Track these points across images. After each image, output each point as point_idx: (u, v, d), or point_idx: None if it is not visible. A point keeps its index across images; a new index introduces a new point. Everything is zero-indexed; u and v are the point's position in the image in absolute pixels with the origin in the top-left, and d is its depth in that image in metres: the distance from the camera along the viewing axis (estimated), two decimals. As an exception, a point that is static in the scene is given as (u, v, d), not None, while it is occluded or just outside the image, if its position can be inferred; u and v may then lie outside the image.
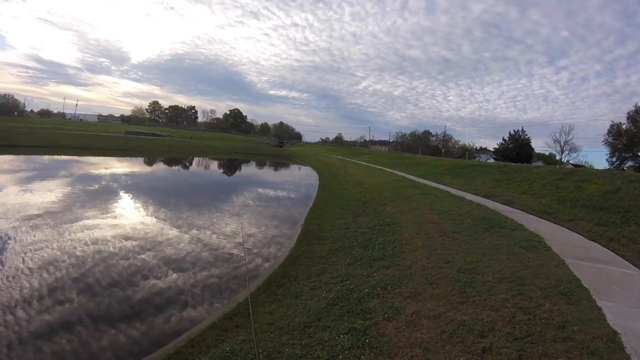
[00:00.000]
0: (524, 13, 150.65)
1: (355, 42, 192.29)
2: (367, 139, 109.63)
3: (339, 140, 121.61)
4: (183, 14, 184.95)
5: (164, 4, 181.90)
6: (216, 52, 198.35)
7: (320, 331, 4.10)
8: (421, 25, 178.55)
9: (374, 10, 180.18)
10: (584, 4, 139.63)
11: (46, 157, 26.76)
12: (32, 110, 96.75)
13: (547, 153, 71.02)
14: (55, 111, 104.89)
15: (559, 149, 62.21)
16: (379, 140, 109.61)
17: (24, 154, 27.28)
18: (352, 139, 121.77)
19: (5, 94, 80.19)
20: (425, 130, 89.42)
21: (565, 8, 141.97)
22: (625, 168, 41.63)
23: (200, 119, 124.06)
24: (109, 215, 11.02)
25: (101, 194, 14.21)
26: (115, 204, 12.69)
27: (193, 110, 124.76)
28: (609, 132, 46.81)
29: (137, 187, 17.12)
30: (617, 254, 6.92)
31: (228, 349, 3.85)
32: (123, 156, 33.54)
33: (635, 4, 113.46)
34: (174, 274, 6.98)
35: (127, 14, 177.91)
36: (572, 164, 51.87)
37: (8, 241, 7.96)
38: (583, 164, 56.96)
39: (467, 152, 71.26)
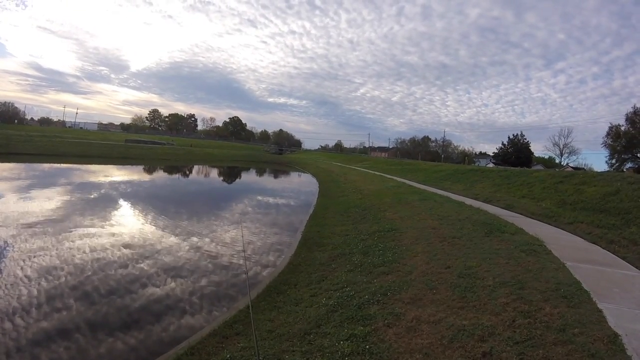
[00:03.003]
0: (520, 17, 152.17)
1: (353, 49, 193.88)
2: (367, 146, 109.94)
3: (338, 147, 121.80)
4: (181, 22, 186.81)
5: (162, 12, 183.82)
6: (214, 60, 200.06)
7: (320, 338, 4.08)
8: (418, 30, 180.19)
9: (371, 17, 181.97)
10: (579, 6, 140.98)
11: (46, 165, 26.82)
12: (32, 118, 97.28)
13: (546, 156, 71.32)
14: (55, 119, 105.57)
15: (558, 152, 62.53)
16: (378, 147, 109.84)
17: (24, 162, 27.34)
18: (352, 146, 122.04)
19: (5, 102, 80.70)
20: (425, 136, 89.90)
21: (561, 11, 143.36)
22: (624, 170, 41.64)
23: (200, 127, 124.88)
24: (107, 223, 11.02)
25: (100, 202, 14.21)
26: (115, 212, 12.69)
27: (193, 118, 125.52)
28: (608, 134, 46.94)
29: (137, 195, 17.14)
30: (617, 256, 6.92)
31: (228, 356, 3.83)
32: (123, 164, 33.61)
33: (631, 5, 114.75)
34: (173, 282, 6.96)
35: (126, 23, 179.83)
36: (572, 167, 51.99)
37: (7, 249, 7.96)
38: (582, 166, 57.10)
39: (467, 157, 71.39)
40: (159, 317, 5.59)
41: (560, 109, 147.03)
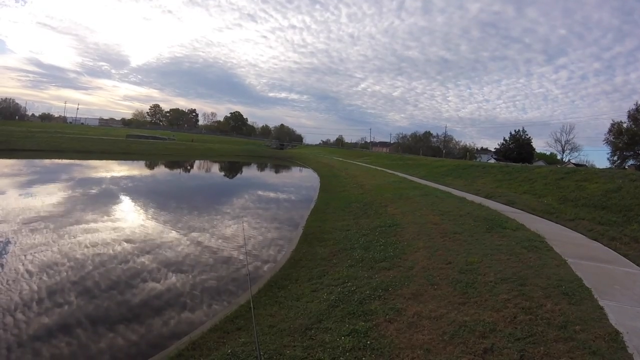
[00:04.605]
0: (521, 11, 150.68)
1: (353, 44, 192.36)
2: (368, 141, 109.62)
3: (339, 142, 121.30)
4: (181, 17, 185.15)
5: (161, 7, 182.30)
6: (215, 55, 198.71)
7: (321, 333, 4.09)
8: (418, 25, 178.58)
9: (371, 11, 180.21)
10: (581, 1, 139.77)
11: (47, 161, 26.84)
12: (33, 115, 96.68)
13: (548, 153, 70.88)
14: (56, 115, 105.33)
15: (560, 148, 62.08)
16: (379, 142, 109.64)
17: (26, 158, 27.37)
18: (353, 141, 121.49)
19: (6, 98, 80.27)
20: (426, 131, 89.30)
21: (563, 6, 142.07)
22: (626, 167, 41.50)
23: (201, 122, 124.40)
24: (109, 218, 11.05)
25: (102, 198, 14.24)
26: (116, 207, 12.72)
27: (194, 114, 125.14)
28: (610, 130, 46.68)
29: (139, 191, 17.16)
30: (618, 253, 6.90)
31: (229, 351, 3.85)
32: (125, 159, 33.64)
33: (632, 1, 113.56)
34: (174, 277, 6.98)
35: (126, 18, 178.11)
36: (574, 164, 51.78)
37: (8, 244, 7.99)
38: (584, 163, 56.88)
39: (468, 153, 71.19)
40: (160, 312, 5.61)
41: (562, 105, 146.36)
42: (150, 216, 11.85)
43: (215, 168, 37.63)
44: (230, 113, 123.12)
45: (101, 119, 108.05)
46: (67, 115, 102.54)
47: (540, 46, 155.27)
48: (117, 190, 16.50)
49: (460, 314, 4.19)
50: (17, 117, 76.93)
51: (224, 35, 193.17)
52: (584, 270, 5.62)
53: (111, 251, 8.09)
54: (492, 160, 53.86)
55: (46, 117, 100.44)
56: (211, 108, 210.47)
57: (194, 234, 9.99)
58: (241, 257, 8.29)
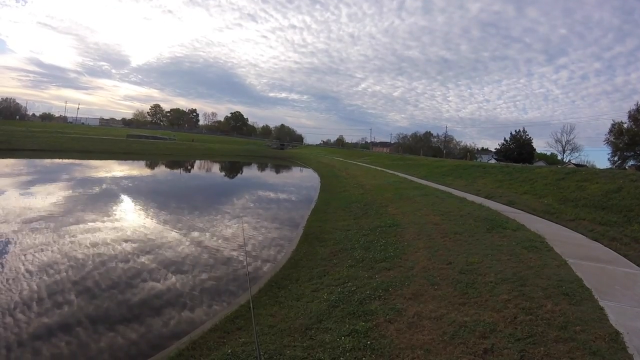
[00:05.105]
0: (521, 11, 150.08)
1: (353, 43, 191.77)
2: (369, 141, 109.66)
3: (340, 142, 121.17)
4: (181, 17, 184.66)
5: (162, 7, 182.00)
6: (215, 54, 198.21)
7: (321, 333, 4.10)
8: (419, 25, 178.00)
9: (371, 11, 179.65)
10: (581, 0, 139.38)
11: (48, 161, 26.86)
12: (33, 114, 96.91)
13: (548, 153, 70.83)
14: (56, 115, 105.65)
15: (560, 148, 61.99)
16: (380, 142, 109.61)
17: (26, 157, 27.39)
18: (354, 141, 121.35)
19: (6, 98, 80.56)
20: (427, 132, 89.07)
21: (563, 5, 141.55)
22: (627, 167, 41.46)
23: (201, 122, 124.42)
24: (109, 218, 11.05)
25: (103, 197, 14.26)
26: (117, 207, 12.73)
27: (194, 113, 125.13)
28: (610, 131, 46.62)
29: (139, 191, 17.17)
30: (619, 254, 6.89)
31: (229, 351, 3.85)
32: (125, 159, 33.67)
33: (633, 0, 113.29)
34: (174, 277, 6.99)
35: (126, 18, 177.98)
36: (574, 164, 51.71)
37: (9, 243, 8.00)
38: (585, 163, 56.80)
39: (469, 153, 71.12)
40: (160, 312, 5.62)
41: (562, 105, 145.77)
42: (150, 216, 11.85)
43: (216, 168, 37.65)
44: (231, 113, 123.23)
45: (102, 119, 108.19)
46: (68, 115, 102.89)
47: (540, 46, 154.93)
48: (118, 190, 16.51)
49: (461, 314, 4.19)
50: (17, 117, 77.10)
51: (224, 35, 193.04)
52: (584, 270, 5.61)
53: (111, 251, 8.09)
54: (493, 161, 53.86)
55: (47, 117, 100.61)
56: (212, 108, 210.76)
57: (194, 234, 10.00)
58: (241, 257, 8.30)
